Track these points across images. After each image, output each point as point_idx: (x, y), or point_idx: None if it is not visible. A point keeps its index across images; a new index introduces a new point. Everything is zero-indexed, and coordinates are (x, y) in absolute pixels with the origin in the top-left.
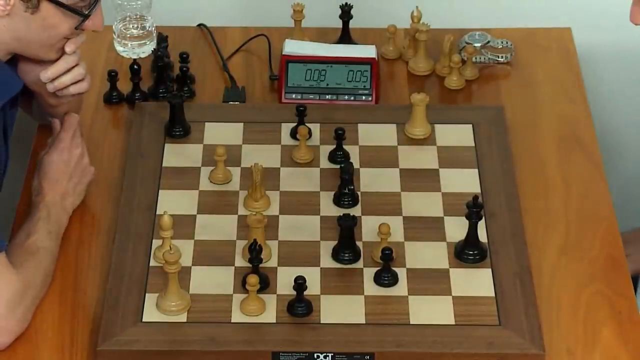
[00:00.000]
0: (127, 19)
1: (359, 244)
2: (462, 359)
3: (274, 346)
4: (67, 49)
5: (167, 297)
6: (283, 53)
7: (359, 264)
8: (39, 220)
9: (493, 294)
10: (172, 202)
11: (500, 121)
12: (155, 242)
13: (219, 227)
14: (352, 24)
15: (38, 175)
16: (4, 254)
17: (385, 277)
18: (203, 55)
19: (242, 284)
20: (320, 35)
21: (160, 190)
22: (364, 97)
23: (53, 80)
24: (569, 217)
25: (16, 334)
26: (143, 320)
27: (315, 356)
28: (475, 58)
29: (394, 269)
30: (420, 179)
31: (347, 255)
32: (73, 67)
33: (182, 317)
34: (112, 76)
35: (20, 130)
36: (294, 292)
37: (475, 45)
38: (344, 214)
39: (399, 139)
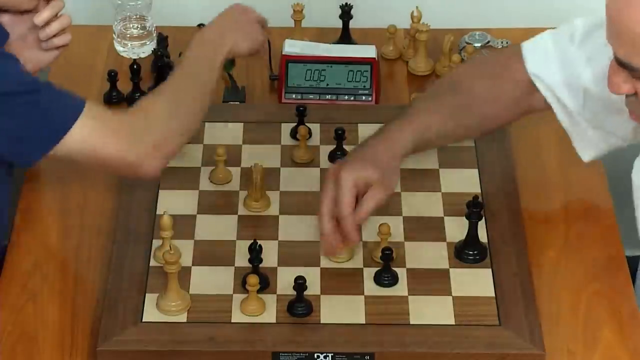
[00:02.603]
0: (127, 19)
1: (359, 243)
2: (462, 359)
3: (274, 346)
4: None
5: (167, 296)
6: (283, 53)
7: (359, 264)
8: (188, 49)
9: (493, 294)
10: (172, 202)
11: None
12: (155, 242)
13: (219, 227)
14: (352, 24)
15: None
16: (90, 103)
17: (386, 277)
18: None
19: (242, 284)
20: (320, 35)
21: (160, 190)
22: (364, 97)
23: (44, 26)
24: (569, 217)
25: (151, 164)
26: (143, 320)
27: (315, 356)
28: None
29: (394, 269)
30: (420, 179)
31: None
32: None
33: (182, 317)
34: (112, 76)
35: None
36: (294, 292)
37: (475, 45)
38: None
39: None
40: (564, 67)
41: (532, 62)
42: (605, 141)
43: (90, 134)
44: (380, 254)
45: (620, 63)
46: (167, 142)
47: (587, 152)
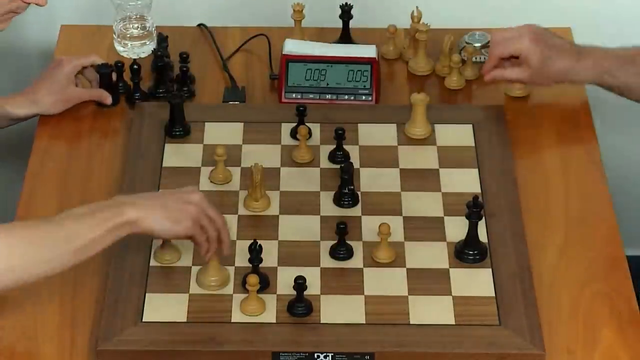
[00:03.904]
0: (127, 19)
1: (359, 243)
2: (462, 359)
3: (274, 346)
4: None
5: (207, 272)
6: (283, 52)
7: (359, 264)
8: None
9: (493, 294)
10: None
11: (500, 121)
12: (155, 242)
13: None
14: (352, 24)
15: None
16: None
17: (341, 251)
18: (203, 55)
19: (242, 284)
20: (320, 35)
21: (160, 190)
22: (364, 97)
23: None
24: (569, 217)
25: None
26: (143, 320)
27: (315, 356)
28: (475, 58)
29: (348, 242)
30: (420, 179)
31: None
32: None
33: (182, 317)
34: (119, 67)
35: (21, 129)
36: (294, 292)
37: (475, 45)
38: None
39: (399, 139)
40: None
41: None
42: None
43: None
44: (379, 253)
45: None
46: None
47: None
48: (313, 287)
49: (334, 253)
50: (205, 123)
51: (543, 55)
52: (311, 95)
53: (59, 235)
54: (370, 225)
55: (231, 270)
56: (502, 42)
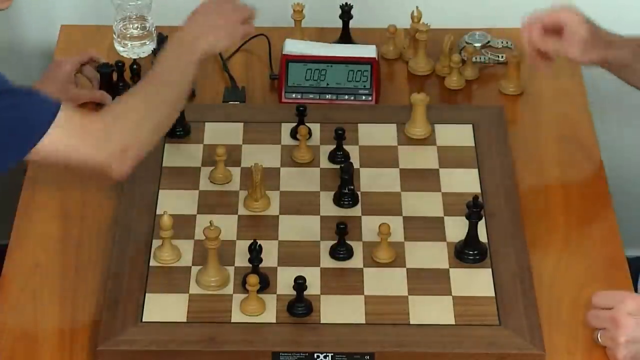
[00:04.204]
0: (127, 19)
1: (359, 243)
2: (462, 359)
3: (274, 346)
4: None
5: (207, 272)
6: (283, 52)
7: (359, 264)
8: (163, 51)
9: (493, 294)
10: (172, 202)
11: (500, 121)
12: (155, 242)
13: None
14: (352, 24)
15: None
16: (63, 105)
17: (341, 251)
18: None
19: (242, 284)
20: (320, 35)
21: (160, 190)
22: (364, 97)
23: None
24: (569, 217)
25: (121, 166)
26: (143, 320)
27: (315, 356)
28: (475, 58)
29: (348, 242)
30: (420, 179)
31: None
32: None
33: (182, 317)
34: (120, 67)
35: None
36: (294, 292)
37: (475, 45)
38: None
39: (399, 139)
40: None
41: None
42: None
43: (62, 139)
44: (379, 253)
45: None
46: (135, 145)
47: None
48: (313, 287)
49: (334, 253)
50: (205, 123)
51: (589, 25)
52: (311, 95)
53: (167, 90)
54: (370, 225)
55: (231, 270)
56: (544, 13)
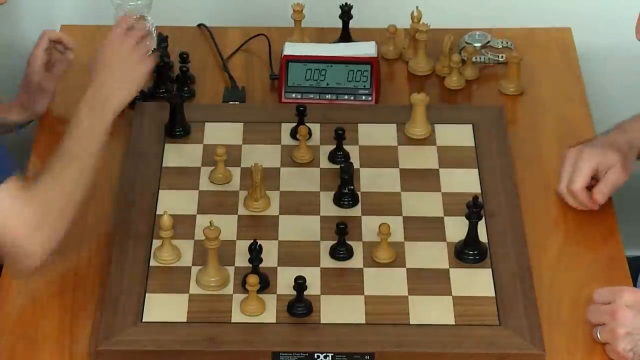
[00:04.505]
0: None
1: (359, 243)
2: (462, 359)
3: (274, 346)
4: None
5: (207, 272)
6: (283, 53)
7: (359, 264)
8: (75, 118)
9: (493, 294)
10: (172, 202)
11: (500, 121)
12: (155, 242)
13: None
14: (352, 24)
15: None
16: (15, 179)
17: (341, 251)
18: (203, 55)
19: (242, 284)
20: (320, 35)
21: (160, 190)
22: (364, 97)
23: None
24: (569, 217)
25: (41, 257)
26: (143, 320)
27: (315, 356)
28: (475, 58)
29: (348, 242)
30: (420, 179)
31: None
32: None
33: (182, 317)
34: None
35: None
36: (294, 292)
37: (475, 45)
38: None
39: (399, 139)
40: None
41: None
42: None
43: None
44: (379, 253)
45: None
46: (56, 238)
47: None
48: (313, 287)
49: (334, 253)
50: (205, 123)
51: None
52: (311, 95)
53: (80, 168)
54: (370, 226)
55: (231, 270)
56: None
